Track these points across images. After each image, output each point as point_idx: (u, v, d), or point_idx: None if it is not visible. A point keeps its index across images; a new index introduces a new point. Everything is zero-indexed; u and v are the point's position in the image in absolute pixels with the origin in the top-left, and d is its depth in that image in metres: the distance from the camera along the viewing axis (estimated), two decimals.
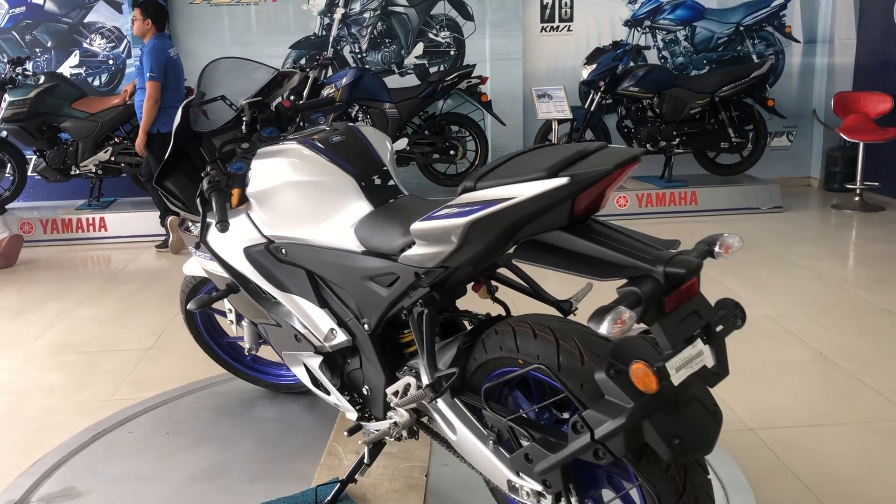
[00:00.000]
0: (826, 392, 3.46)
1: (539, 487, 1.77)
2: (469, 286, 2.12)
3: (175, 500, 2.43)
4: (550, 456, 1.68)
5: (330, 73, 7.45)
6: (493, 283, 2.14)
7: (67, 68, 7.73)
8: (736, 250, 1.63)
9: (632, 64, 7.41)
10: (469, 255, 1.77)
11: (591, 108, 7.19)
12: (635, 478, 1.65)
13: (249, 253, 2.36)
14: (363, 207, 2.12)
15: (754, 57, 7.98)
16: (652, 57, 7.97)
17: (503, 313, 2.16)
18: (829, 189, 7.83)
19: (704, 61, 8.05)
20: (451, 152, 7.13)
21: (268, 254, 2.33)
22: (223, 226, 2.18)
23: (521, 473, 1.81)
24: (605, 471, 1.77)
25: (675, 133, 7.15)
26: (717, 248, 1.61)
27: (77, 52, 7.73)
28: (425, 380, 1.95)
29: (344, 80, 6.96)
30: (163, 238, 6.55)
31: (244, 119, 2.51)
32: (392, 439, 2.16)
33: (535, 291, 2.14)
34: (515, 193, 1.63)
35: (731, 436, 3.11)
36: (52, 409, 3.60)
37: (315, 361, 2.31)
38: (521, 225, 1.68)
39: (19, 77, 6.99)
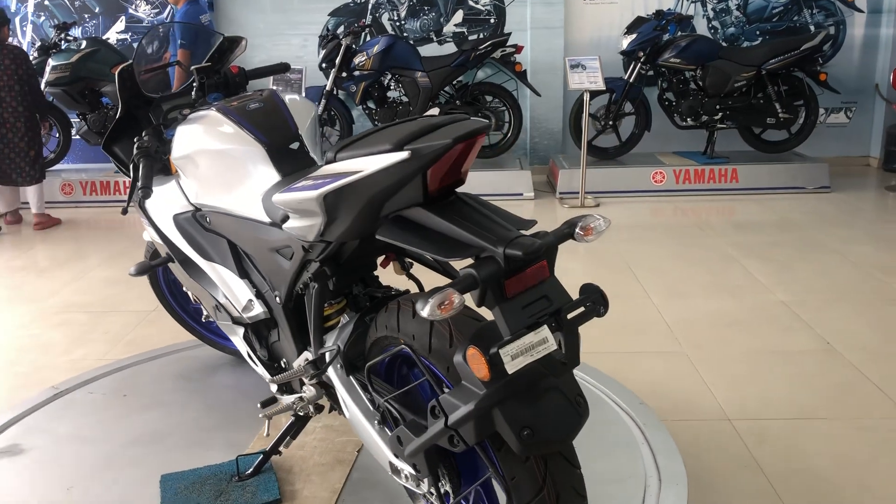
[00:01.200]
0: (821, 384, 3.26)
1: (412, 471, 1.71)
2: (380, 262, 2.04)
3: (110, 461, 2.45)
4: (414, 440, 1.60)
5: (369, 40, 7.39)
6: (408, 259, 2.06)
7: (114, 34, 7.90)
8: (599, 233, 1.50)
9: (679, 33, 7.11)
10: (342, 230, 1.70)
11: (630, 80, 6.94)
12: (499, 468, 1.56)
13: (178, 220, 2.34)
14: (272, 176, 2.06)
15: (812, 28, 7.55)
16: (701, 27, 7.63)
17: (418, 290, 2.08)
18: (888, 169, 7.37)
19: (757, 32, 7.66)
20: None
21: (195, 222, 2.31)
22: (145, 192, 2.16)
23: (398, 455, 1.74)
24: (483, 459, 1.68)
25: (718, 107, 6.84)
26: (577, 230, 1.49)
27: (123, 17, 7.88)
28: (309, 356, 1.89)
29: (375, 49, 6.88)
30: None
31: (194, 85, 2.49)
32: (297, 414, 2.12)
33: (444, 269, 2.05)
34: (363, 167, 1.55)
35: (701, 425, 2.96)
36: (45, 367, 3.70)
37: (238, 332, 2.28)
38: (380, 199, 1.59)
39: (63, 42, 7.18)
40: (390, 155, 1.51)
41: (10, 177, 6.22)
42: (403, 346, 1.64)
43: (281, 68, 2.76)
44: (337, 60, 6.89)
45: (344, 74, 6.95)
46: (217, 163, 2.15)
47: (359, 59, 6.91)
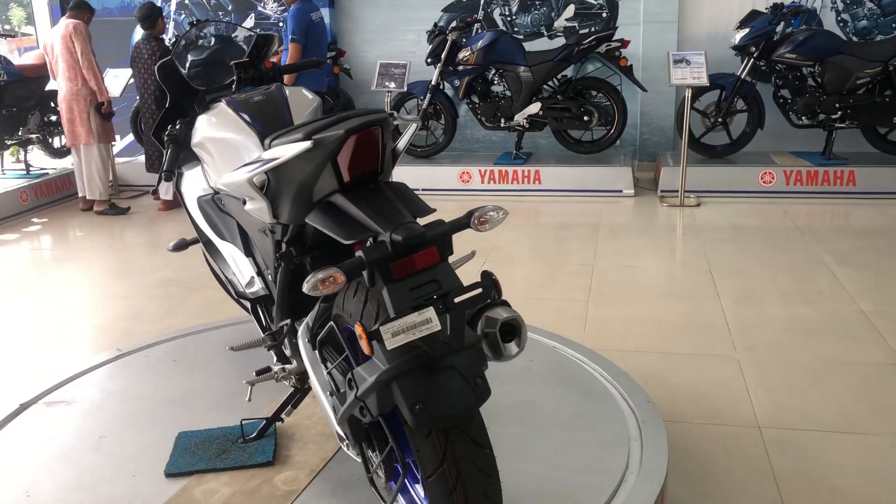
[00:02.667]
0: (876, 400, 3.08)
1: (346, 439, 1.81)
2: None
3: (142, 417, 2.70)
4: (340, 409, 1.71)
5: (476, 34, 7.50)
6: None
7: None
8: (495, 224, 1.55)
9: (803, 26, 6.76)
10: (285, 213, 1.82)
11: (742, 76, 6.66)
12: (405, 444, 1.63)
13: (200, 202, 2.55)
14: None
15: None
16: (829, 21, 7.20)
17: None
18: None
19: (894, 25, 7.13)
20: (585, 118, 6.94)
21: (213, 204, 2.51)
22: (166, 175, 2.39)
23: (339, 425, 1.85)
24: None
25: (837, 105, 6.44)
26: (472, 220, 1.54)
27: (252, 14, 8.40)
28: (273, 328, 2.03)
29: (480, 44, 6.98)
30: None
31: (233, 80, 2.70)
32: (296, 385, 2.27)
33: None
34: (280, 154, 1.67)
35: (728, 430, 2.89)
36: (134, 333, 4.09)
37: (247, 306, 2.47)
38: (306, 185, 1.70)
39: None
40: (297, 144, 1.63)
41: (155, 165, 6.76)
42: (331, 321, 1.75)
43: (313, 64, 2.92)
44: (442, 55, 7.05)
45: (450, 69, 7.10)
46: (221, 149, 2.33)
47: (463, 54, 7.04)
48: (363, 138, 1.62)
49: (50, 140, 7.61)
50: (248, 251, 2.39)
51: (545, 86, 7.04)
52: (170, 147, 2.47)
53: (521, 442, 2.44)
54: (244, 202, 2.02)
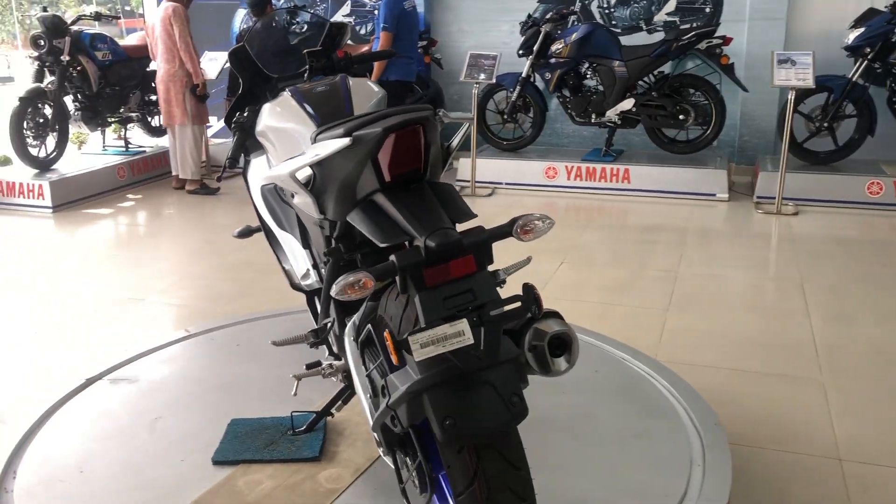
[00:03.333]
0: None
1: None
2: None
3: (199, 399, 2.72)
4: (375, 415, 1.64)
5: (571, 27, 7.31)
6: None
7: (340, 17, 8.49)
8: (539, 234, 1.44)
9: None
10: (330, 209, 1.76)
11: (854, 79, 6.26)
12: (436, 458, 1.55)
13: (262, 191, 2.53)
14: None
15: None
16: None
17: None
18: None
19: None
20: (681, 117, 6.67)
21: (275, 193, 2.48)
22: (230, 163, 2.38)
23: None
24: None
25: None
26: (515, 229, 1.44)
27: (349, 2, 8.45)
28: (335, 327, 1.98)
29: (573, 36, 6.80)
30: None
31: (305, 68, 2.67)
32: (326, 378, 2.23)
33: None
34: (321, 151, 1.60)
35: (805, 460, 2.69)
36: (207, 313, 4.16)
37: (303, 299, 2.44)
38: (348, 182, 1.63)
39: (293, 25, 7.85)
40: (336, 141, 1.56)
41: None
42: (369, 324, 1.69)
43: (385, 55, 2.87)
44: (535, 47, 6.91)
45: (541, 61, 6.95)
46: (282, 138, 2.30)
47: (556, 47, 6.87)
48: (403, 137, 1.54)
49: (149, 119, 7.87)
50: (306, 243, 2.35)
51: (640, 82, 6.80)
52: (236, 134, 2.45)
53: (574, 456, 2.33)
54: (292, 195, 1.97)
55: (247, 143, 2.56)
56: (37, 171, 6.67)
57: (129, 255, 5.39)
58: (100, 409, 2.68)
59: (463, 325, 1.41)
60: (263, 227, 2.64)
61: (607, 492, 2.15)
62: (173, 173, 7.08)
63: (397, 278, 1.43)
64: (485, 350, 1.44)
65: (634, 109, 6.75)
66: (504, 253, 1.91)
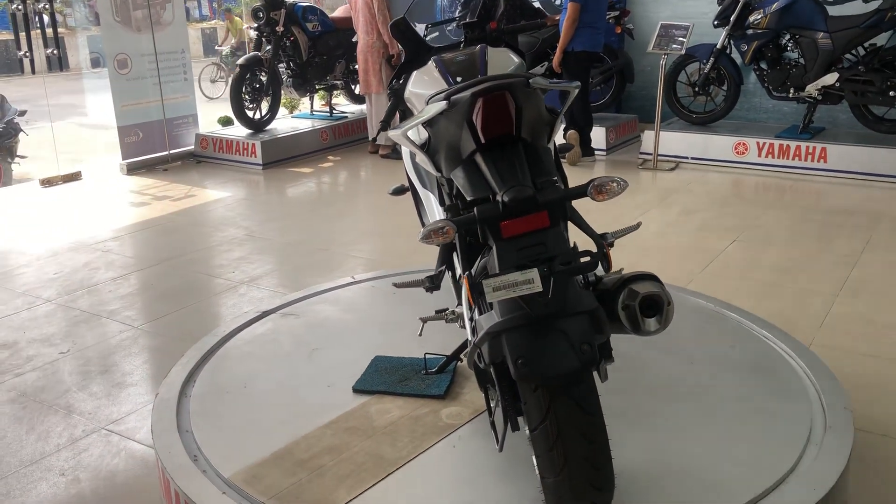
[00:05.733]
0: None
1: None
2: None
3: (351, 337, 3.03)
4: (468, 352, 1.81)
5: None
6: None
7: None
8: (612, 195, 1.52)
9: None
10: (444, 168, 1.92)
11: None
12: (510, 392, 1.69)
13: (410, 152, 2.76)
14: None
15: None
16: None
17: None
18: None
19: None
20: (892, 93, 6.15)
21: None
22: (382, 126, 2.63)
23: None
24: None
25: None
26: (590, 189, 1.53)
27: None
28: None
29: (774, 6, 6.46)
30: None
31: (461, 40, 2.86)
32: (448, 324, 2.41)
33: (575, 221, 2.14)
34: (424, 114, 1.77)
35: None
36: (378, 266, 4.53)
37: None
38: (453, 142, 1.79)
39: None
40: (436, 105, 1.73)
41: None
42: (465, 273, 1.85)
43: (533, 26, 2.98)
44: (732, 17, 6.64)
45: (738, 32, 6.67)
46: (422, 103, 2.50)
47: (754, 17, 6.56)
48: (491, 101, 1.68)
49: (352, 86, 8.44)
50: (443, 201, 2.56)
51: (846, 55, 6.34)
52: (391, 100, 2.69)
53: (684, 421, 2.38)
54: (413, 155, 2.18)
55: (401, 108, 2.80)
56: (251, 131, 7.42)
57: (322, 210, 5.90)
58: (269, 338, 3.07)
59: (533, 273, 1.54)
60: (410, 186, 2.87)
61: (711, 458, 2.19)
62: (369, 138, 7.58)
63: (478, 228, 1.58)
64: (552, 299, 1.57)
65: (838, 84, 6.32)
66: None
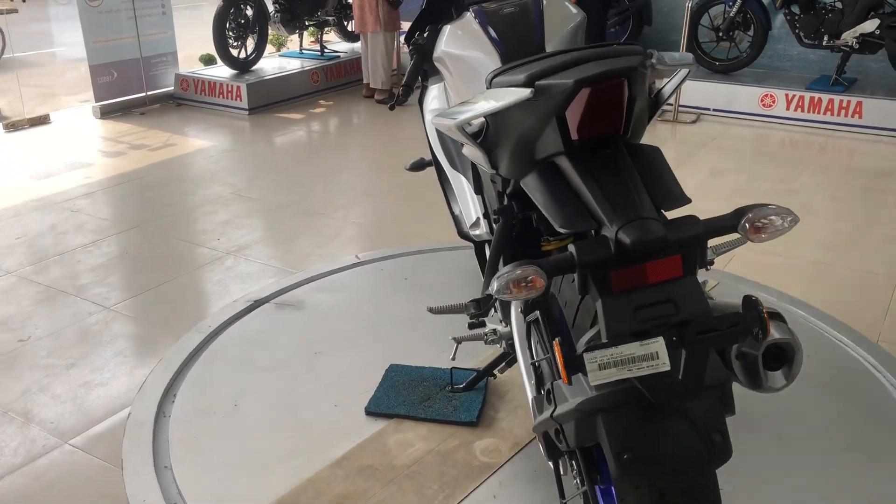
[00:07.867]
0: None
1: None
2: None
3: (361, 337, 2.59)
4: (537, 417, 1.37)
5: None
6: None
7: None
8: (775, 234, 1.06)
9: None
10: (504, 166, 1.45)
11: None
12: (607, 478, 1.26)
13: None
14: None
15: None
16: None
17: None
18: None
19: None
20: None
21: None
22: (404, 90, 2.13)
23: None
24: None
25: None
26: (742, 223, 1.06)
27: None
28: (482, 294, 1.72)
29: None
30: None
31: None
32: (488, 345, 1.98)
33: None
34: (496, 100, 1.28)
35: None
36: (382, 236, 4.06)
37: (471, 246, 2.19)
38: (526, 139, 1.31)
39: None
40: (516, 91, 1.24)
41: None
42: (537, 311, 1.40)
43: None
44: None
45: None
46: (460, 67, 2.00)
47: None
48: (600, 91, 1.20)
49: (345, 23, 7.81)
50: (479, 188, 2.08)
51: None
52: (413, 58, 2.19)
53: (770, 463, 1.97)
54: (461, 144, 1.69)
55: (425, 68, 2.29)
56: (236, 71, 6.82)
57: (316, 165, 5.38)
58: (262, 336, 2.62)
59: (658, 345, 1.08)
60: (435, 164, 2.39)
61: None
62: (364, 81, 7.01)
63: (576, 276, 1.12)
64: (684, 381, 1.11)
65: (878, 32, 5.80)
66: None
